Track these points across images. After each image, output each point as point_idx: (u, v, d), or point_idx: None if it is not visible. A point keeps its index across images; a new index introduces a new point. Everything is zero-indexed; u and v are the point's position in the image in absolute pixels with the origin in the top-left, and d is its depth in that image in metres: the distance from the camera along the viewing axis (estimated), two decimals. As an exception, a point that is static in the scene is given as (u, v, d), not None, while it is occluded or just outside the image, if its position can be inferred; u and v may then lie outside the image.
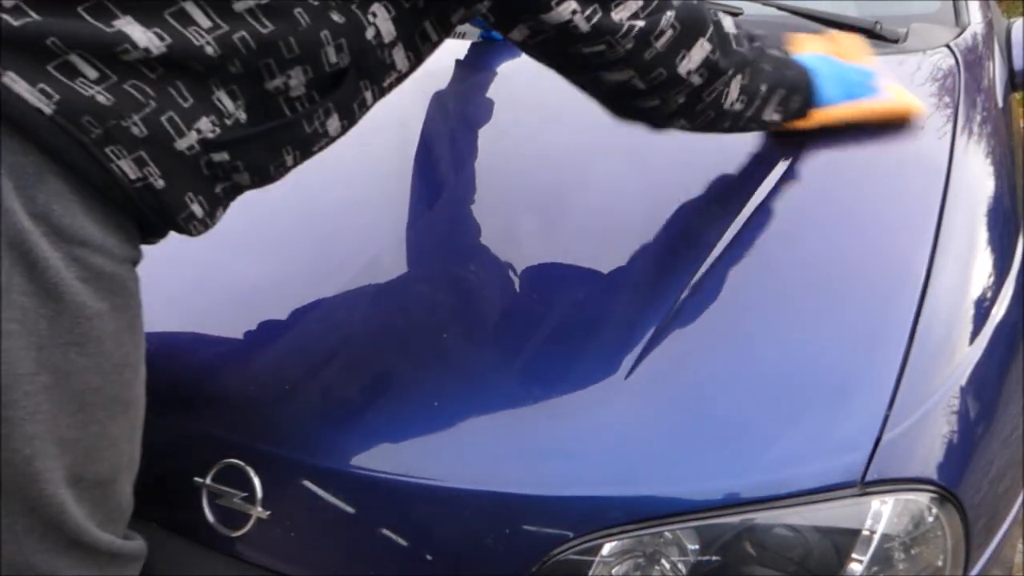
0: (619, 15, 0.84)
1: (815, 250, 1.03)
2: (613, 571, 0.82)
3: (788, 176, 1.11)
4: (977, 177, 1.14)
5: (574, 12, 0.82)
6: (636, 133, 1.25)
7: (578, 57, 0.87)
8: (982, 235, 1.06)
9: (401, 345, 0.99)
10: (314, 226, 1.18)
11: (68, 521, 0.77)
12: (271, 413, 0.93)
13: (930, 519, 0.83)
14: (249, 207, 1.25)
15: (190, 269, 1.13)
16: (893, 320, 0.92)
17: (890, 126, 1.23)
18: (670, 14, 0.87)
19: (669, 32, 0.87)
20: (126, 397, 0.80)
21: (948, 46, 1.37)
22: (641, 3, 0.85)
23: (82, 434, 0.76)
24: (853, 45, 1.25)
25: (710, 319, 0.95)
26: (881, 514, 0.81)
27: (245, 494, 0.90)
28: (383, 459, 0.87)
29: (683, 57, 0.90)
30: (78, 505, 0.78)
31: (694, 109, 0.96)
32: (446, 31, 0.87)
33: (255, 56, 0.75)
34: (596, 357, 0.93)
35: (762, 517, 0.81)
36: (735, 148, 1.19)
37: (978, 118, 1.24)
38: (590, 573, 0.82)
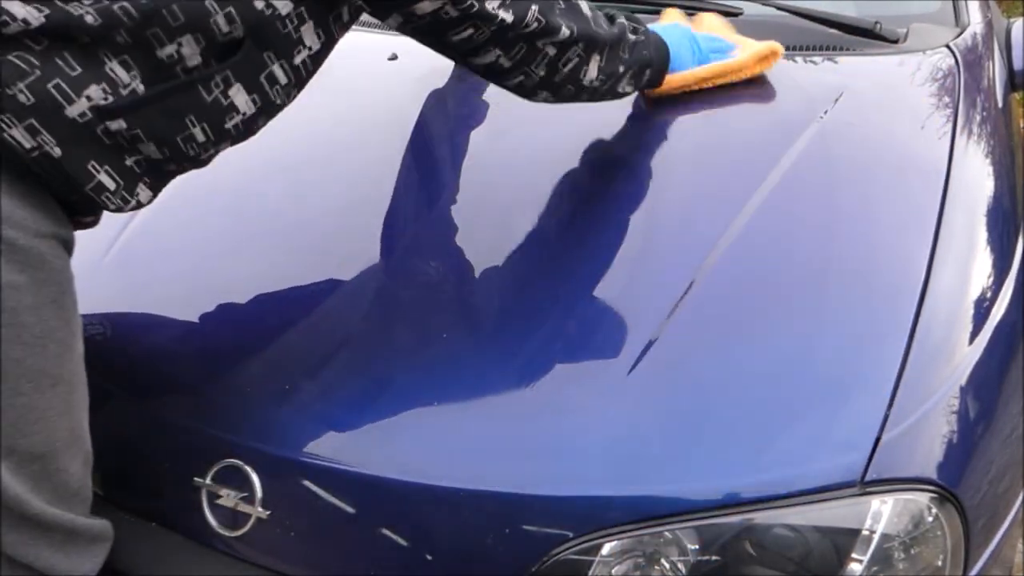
0: (490, 4, 0.90)
1: (815, 250, 1.03)
2: (613, 571, 0.82)
3: (788, 176, 1.11)
4: (977, 177, 1.14)
5: (444, 3, 0.87)
6: (635, 134, 1.26)
7: (450, 43, 0.94)
8: (982, 235, 1.06)
9: (401, 345, 0.99)
10: (314, 226, 1.18)
11: (7, 493, 0.78)
12: (271, 413, 0.93)
13: (930, 519, 0.83)
14: (248, 208, 1.26)
15: (190, 270, 1.13)
16: (893, 320, 0.92)
17: (890, 125, 1.23)
18: (535, 8, 0.93)
19: (534, 24, 0.94)
20: (54, 372, 0.80)
21: (948, 46, 1.37)
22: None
23: (7, 405, 0.76)
24: (715, 22, 1.36)
25: (710, 318, 0.95)
26: (881, 514, 0.81)
27: (245, 494, 0.90)
28: (383, 459, 0.87)
29: (546, 42, 0.97)
30: (15, 478, 0.78)
31: (553, 81, 1.02)
32: (353, 15, 0.91)
33: (140, 26, 0.76)
34: (596, 356, 0.93)
35: (762, 517, 0.81)
36: (737, 147, 1.20)
37: (978, 118, 1.24)
38: (590, 573, 0.82)
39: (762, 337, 0.93)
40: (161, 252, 1.17)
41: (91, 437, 0.89)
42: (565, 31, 0.97)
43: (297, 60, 0.87)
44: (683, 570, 0.82)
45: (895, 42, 1.39)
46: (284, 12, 0.83)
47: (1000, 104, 1.34)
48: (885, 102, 1.28)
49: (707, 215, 1.08)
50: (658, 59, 1.20)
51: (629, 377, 0.89)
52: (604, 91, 1.10)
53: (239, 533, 0.90)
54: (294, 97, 0.92)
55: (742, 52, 1.31)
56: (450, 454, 0.87)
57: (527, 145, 1.28)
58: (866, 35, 1.39)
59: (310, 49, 0.88)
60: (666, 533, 0.82)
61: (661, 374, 0.90)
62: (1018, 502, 0.96)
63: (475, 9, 0.89)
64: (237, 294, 1.09)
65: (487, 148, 1.29)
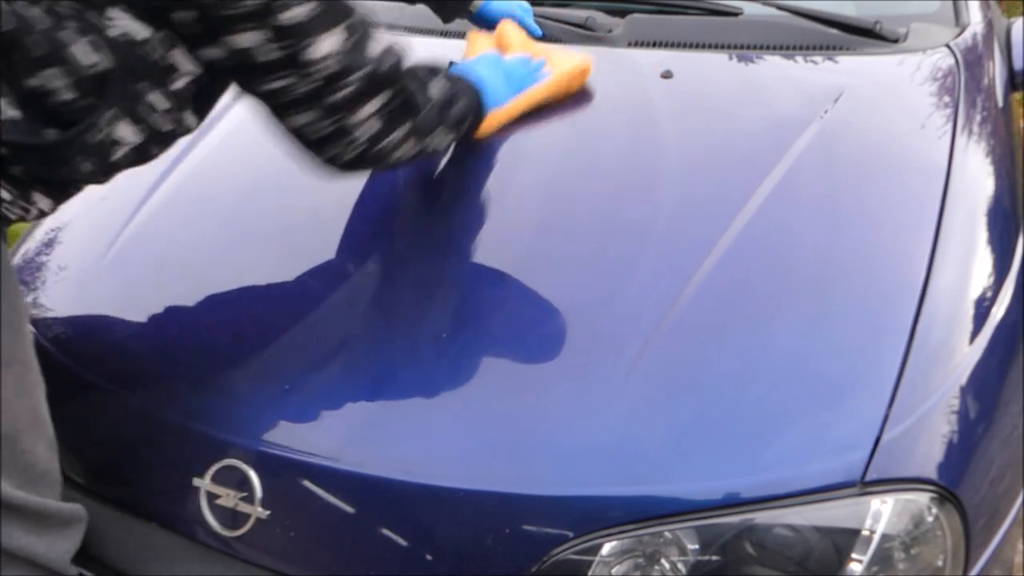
0: (311, 54, 0.83)
1: (815, 250, 1.03)
2: (613, 571, 0.82)
3: (788, 175, 1.11)
4: (977, 177, 1.14)
5: (261, 42, 0.81)
6: (635, 135, 1.26)
7: (260, 92, 0.87)
8: (982, 235, 1.06)
9: (400, 345, 0.99)
10: (311, 227, 1.18)
11: None
12: (271, 413, 0.94)
13: (930, 519, 0.83)
14: (246, 209, 1.26)
15: (189, 272, 1.13)
16: (893, 320, 0.92)
17: (890, 125, 1.23)
18: (367, 68, 0.87)
19: (354, 84, 0.87)
20: (7, 353, 0.82)
21: (948, 46, 1.37)
22: (337, 48, 0.83)
23: None
24: (515, 35, 1.35)
25: (710, 319, 0.95)
26: (881, 514, 0.81)
27: (245, 494, 0.90)
28: (383, 459, 0.87)
29: (362, 106, 0.89)
30: None
31: (365, 160, 0.95)
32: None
33: (3, 50, 0.76)
34: (596, 357, 0.93)
35: (762, 517, 0.81)
36: (737, 147, 1.20)
37: (978, 118, 1.24)
38: (590, 573, 0.82)
39: (762, 337, 0.93)
40: (159, 254, 1.17)
41: (92, 438, 0.90)
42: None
43: (177, 85, 0.85)
44: (683, 570, 0.82)
45: (895, 42, 1.38)
46: (140, 38, 0.81)
47: (1000, 104, 1.34)
48: (885, 102, 1.28)
49: (708, 214, 1.08)
50: (472, 108, 1.14)
51: (629, 377, 0.89)
52: (415, 159, 1.04)
53: (239, 533, 0.90)
54: (191, 121, 0.90)
55: (556, 70, 1.30)
56: (450, 454, 0.86)
57: (526, 145, 1.28)
58: (866, 35, 1.39)
59: (191, 74, 0.85)
60: (666, 533, 0.82)
61: (661, 374, 0.90)
62: (1018, 502, 0.96)
63: (293, 57, 0.82)
64: (236, 295, 1.09)
65: (488, 147, 1.29)
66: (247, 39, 0.80)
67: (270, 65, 0.82)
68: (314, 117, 0.88)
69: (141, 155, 0.88)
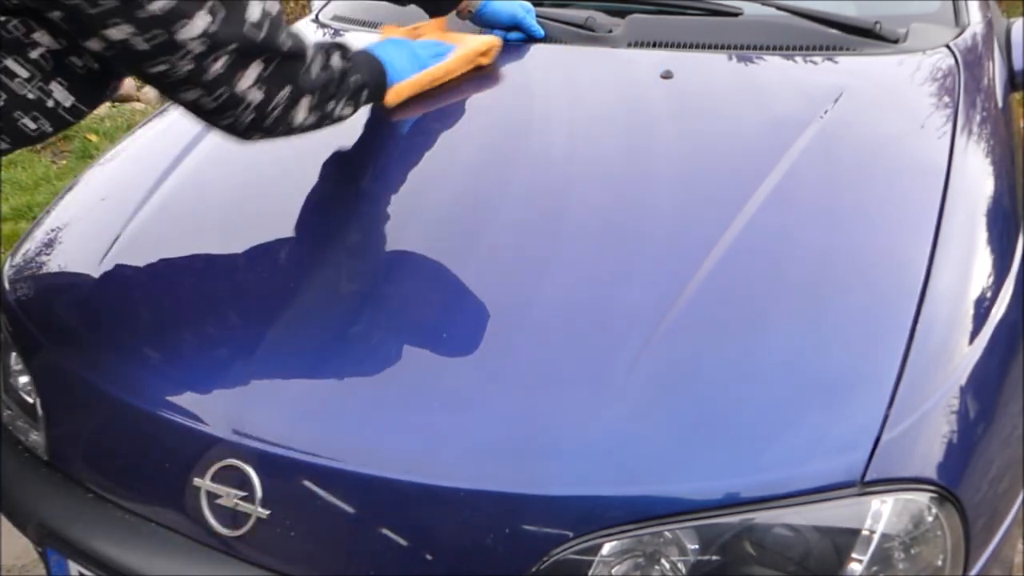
0: (181, 36, 0.90)
1: (815, 250, 1.03)
2: (613, 571, 0.83)
3: (788, 176, 1.11)
4: (977, 177, 1.14)
5: (132, 34, 0.88)
6: (634, 135, 1.26)
7: (148, 76, 0.95)
8: (982, 235, 1.06)
9: (401, 345, 0.99)
10: (312, 226, 1.18)
11: None
12: (271, 413, 0.94)
13: (930, 519, 0.83)
14: (243, 213, 1.26)
15: (189, 272, 1.14)
16: (893, 320, 0.92)
17: (890, 125, 1.23)
18: (234, 44, 0.94)
19: (225, 57, 0.95)
20: None
21: (948, 46, 1.38)
22: (203, 29, 0.91)
23: None
24: (434, 29, 1.50)
25: (710, 319, 0.95)
26: (881, 514, 0.81)
27: (245, 494, 0.90)
28: (383, 459, 0.87)
29: (239, 77, 0.97)
30: None
31: (263, 125, 1.04)
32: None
33: None
34: (596, 357, 0.93)
35: (762, 517, 0.81)
36: (737, 148, 1.20)
37: (978, 118, 1.24)
38: (590, 573, 0.82)
39: (762, 337, 0.93)
40: (159, 254, 1.18)
41: (92, 438, 0.90)
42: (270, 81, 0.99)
43: (34, 55, 0.94)
44: (683, 570, 0.82)
45: (895, 42, 1.39)
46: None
47: (1000, 104, 1.34)
48: (885, 102, 1.29)
49: (708, 214, 1.08)
50: (373, 78, 1.24)
51: (629, 377, 0.89)
52: (320, 124, 1.13)
53: (239, 533, 0.91)
54: (62, 95, 0.97)
55: (461, 49, 1.43)
56: (450, 454, 0.87)
57: (525, 145, 1.28)
58: (866, 35, 1.39)
59: (48, 47, 0.94)
60: (666, 533, 0.82)
61: (661, 374, 0.90)
62: (1018, 502, 0.96)
63: (167, 43, 0.90)
64: (236, 296, 1.09)
65: (490, 147, 1.29)
66: (118, 32, 0.88)
67: (146, 53, 0.90)
68: (199, 93, 0.97)
69: (8, 122, 0.94)
